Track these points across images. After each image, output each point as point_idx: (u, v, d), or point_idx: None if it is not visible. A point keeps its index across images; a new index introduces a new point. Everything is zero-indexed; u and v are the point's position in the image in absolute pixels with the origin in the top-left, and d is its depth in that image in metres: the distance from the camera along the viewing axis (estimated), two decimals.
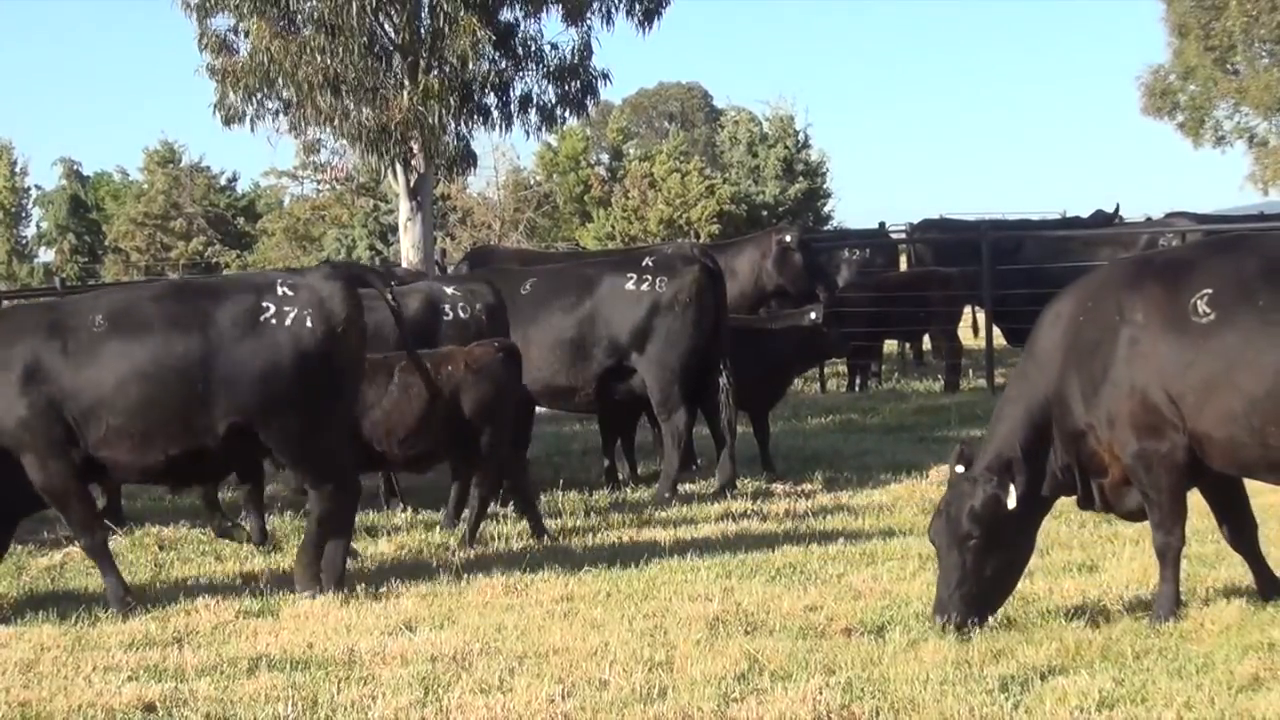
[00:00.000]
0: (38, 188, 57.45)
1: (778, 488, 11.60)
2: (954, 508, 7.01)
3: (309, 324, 8.25)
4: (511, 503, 10.70)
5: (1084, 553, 8.66)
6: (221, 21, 19.27)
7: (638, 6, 19.87)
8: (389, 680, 6.55)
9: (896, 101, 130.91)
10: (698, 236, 34.04)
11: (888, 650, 6.70)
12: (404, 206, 20.24)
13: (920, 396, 17.07)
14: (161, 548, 9.85)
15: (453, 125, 19.54)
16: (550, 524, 10.13)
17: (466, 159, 20.77)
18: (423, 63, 18.95)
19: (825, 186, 43.26)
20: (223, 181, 56.17)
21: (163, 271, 46.15)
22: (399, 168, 19.76)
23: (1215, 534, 7.58)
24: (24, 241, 57.40)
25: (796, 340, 13.04)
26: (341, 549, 8.45)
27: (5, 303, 16.88)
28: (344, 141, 20.19)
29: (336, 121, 19.10)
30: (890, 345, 20.23)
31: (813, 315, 13.12)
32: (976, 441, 7.45)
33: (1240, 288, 6.74)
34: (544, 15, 19.86)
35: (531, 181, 43.96)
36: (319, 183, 49.67)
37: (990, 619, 7.04)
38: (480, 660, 6.83)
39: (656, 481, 11.57)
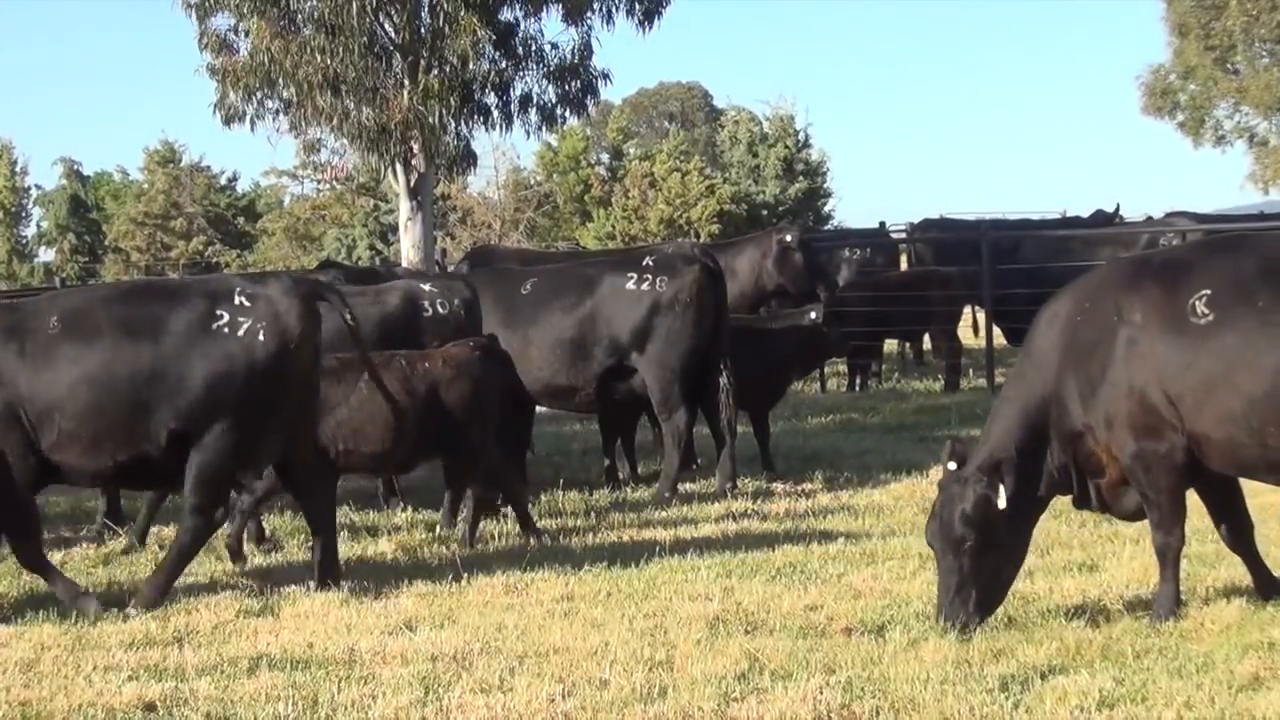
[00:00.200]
0: (38, 187, 57.64)
1: (778, 488, 11.60)
2: (946, 510, 7.01)
3: (261, 337, 8.11)
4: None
5: (1084, 552, 8.66)
6: (221, 21, 19.33)
7: (638, 6, 19.90)
8: (389, 680, 6.55)
9: (896, 101, 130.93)
10: (698, 236, 34.06)
11: (888, 650, 6.70)
12: (404, 206, 20.26)
13: (920, 396, 17.08)
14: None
15: (453, 125, 19.57)
16: (550, 524, 10.13)
17: (466, 159, 20.80)
18: (423, 62, 18.97)
19: (825, 186, 43.31)
20: (223, 181, 56.26)
21: (163, 271, 46.18)
22: (399, 167, 19.78)
23: (1215, 534, 7.57)
24: (24, 241, 57.47)
25: (796, 340, 13.04)
26: (183, 566, 8.37)
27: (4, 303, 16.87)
28: (344, 141, 20.24)
29: (336, 121, 19.14)
30: (890, 345, 20.24)
31: (813, 315, 13.13)
32: (974, 441, 7.45)
33: (1239, 288, 6.73)
34: (544, 15, 19.92)
35: (531, 181, 44.01)
36: (319, 182, 49.75)
37: (990, 619, 7.04)
38: (480, 660, 6.83)
39: (656, 481, 11.57)
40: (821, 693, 6.08)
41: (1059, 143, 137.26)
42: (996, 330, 18.06)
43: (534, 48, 19.89)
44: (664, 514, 10.54)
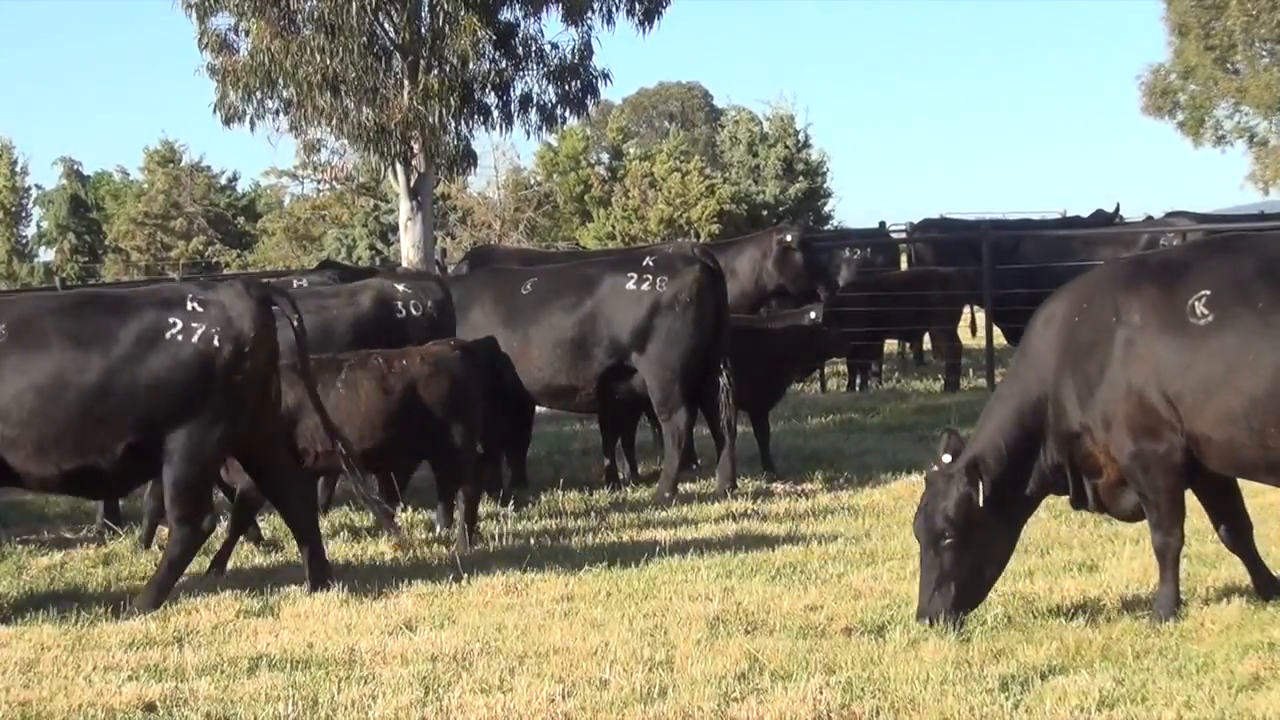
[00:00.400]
0: (38, 187, 57.55)
1: (778, 488, 11.60)
2: (930, 505, 7.03)
3: (215, 342, 8.08)
4: (512, 502, 10.72)
5: (1084, 552, 8.66)
6: (221, 21, 19.32)
7: (638, 6, 19.89)
8: (389, 680, 6.55)
9: (896, 101, 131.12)
10: (698, 236, 34.02)
11: (888, 650, 6.70)
12: (404, 206, 20.25)
13: (920, 396, 17.07)
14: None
15: (453, 125, 19.56)
16: (550, 524, 10.13)
17: (466, 159, 20.78)
18: (423, 62, 18.96)
19: (825, 186, 43.26)
20: (223, 181, 56.24)
21: (163, 271, 46.17)
22: (399, 167, 19.77)
23: (1215, 534, 7.57)
24: (24, 241, 57.41)
25: (797, 340, 13.04)
26: (176, 577, 8.34)
27: None
28: (344, 141, 20.24)
29: (336, 121, 19.12)
30: (890, 345, 20.23)
31: (813, 315, 13.13)
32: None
33: (1239, 289, 6.72)
34: (544, 15, 19.90)
35: (531, 181, 43.97)
36: (319, 182, 49.73)
37: (989, 618, 7.04)
38: (480, 660, 6.83)
39: (656, 481, 11.57)
40: (821, 693, 6.08)
41: (1059, 143, 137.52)
42: (996, 330, 18.06)
43: (534, 48, 19.89)
44: (664, 514, 10.54)
